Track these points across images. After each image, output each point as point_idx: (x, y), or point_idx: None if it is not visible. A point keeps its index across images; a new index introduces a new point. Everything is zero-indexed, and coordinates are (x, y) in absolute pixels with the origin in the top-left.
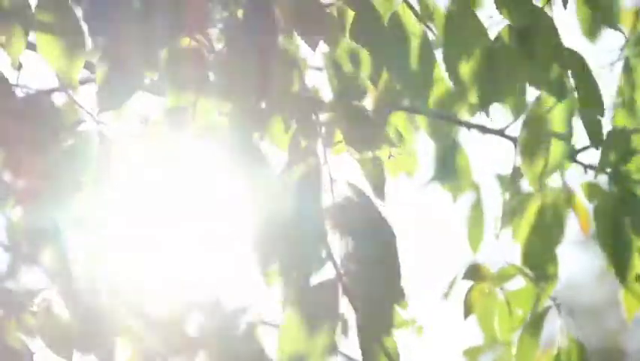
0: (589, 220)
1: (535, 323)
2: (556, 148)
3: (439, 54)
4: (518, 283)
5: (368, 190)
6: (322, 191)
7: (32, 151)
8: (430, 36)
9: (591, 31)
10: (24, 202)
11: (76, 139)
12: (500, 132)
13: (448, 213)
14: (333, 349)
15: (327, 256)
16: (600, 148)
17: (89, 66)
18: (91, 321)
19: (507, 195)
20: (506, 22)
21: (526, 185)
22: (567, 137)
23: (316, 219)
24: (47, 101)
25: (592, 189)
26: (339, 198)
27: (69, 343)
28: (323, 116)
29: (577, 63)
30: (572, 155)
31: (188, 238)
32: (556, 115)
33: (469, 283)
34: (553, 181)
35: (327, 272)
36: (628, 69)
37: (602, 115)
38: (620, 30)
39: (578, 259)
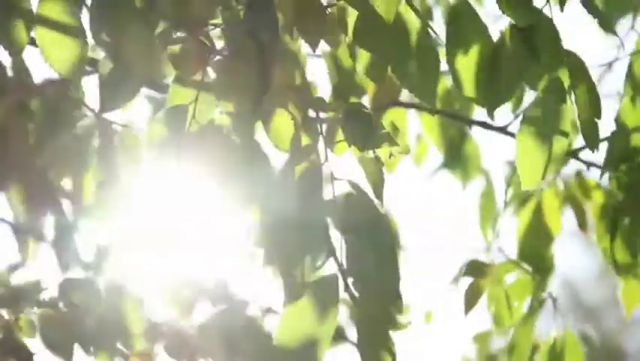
0: (587, 219)
1: (531, 315)
2: (555, 147)
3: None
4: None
5: (368, 189)
6: (323, 188)
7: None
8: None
9: (607, 24)
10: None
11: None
12: (502, 129)
13: (458, 202)
14: (334, 338)
15: (328, 251)
16: (604, 147)
17: (91, 63)
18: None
19: (509, 191)
20: (506, 22)
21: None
22: (566, 136)
23: (317, 215)
24: (64, 89)
25: (592, 188)
26: (340, 195)
27: (69, 343)
28: (324, 115)
29: (576, 64)
30: (572, 153)
31: (192, 232)
32: (556, 114)
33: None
34: (551, 179)
35: (329, 268)
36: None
37: (599, 117)
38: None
39: (578, 258)
